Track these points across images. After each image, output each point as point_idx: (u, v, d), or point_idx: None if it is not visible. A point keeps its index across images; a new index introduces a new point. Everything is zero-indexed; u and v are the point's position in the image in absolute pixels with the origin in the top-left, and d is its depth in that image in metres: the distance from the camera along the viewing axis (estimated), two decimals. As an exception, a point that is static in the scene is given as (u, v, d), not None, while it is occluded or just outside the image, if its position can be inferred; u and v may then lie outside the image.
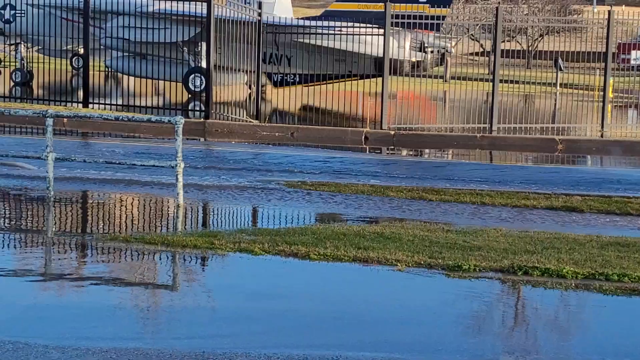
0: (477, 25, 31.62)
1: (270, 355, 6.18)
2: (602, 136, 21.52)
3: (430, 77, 25.04)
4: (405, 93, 24.41)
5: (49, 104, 22.49)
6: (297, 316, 7.24)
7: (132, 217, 10.95)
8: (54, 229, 10.16)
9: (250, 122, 21.42)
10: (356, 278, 8.42)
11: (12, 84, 28.67)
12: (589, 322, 7.51)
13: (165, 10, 24.63)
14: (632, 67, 31.87)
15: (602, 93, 22.37)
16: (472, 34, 37.51)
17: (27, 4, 25.11)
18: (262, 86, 24.17)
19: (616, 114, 27.27)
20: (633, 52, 29.29)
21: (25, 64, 29.06)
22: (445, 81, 29.11)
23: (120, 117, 13.30)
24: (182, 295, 7.81)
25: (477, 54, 39.58)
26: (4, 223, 10.33)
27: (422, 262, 8.76)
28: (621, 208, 12.28)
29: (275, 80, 27.60)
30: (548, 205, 12.42)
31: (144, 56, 25.60)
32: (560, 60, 29.80)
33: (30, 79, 29.17)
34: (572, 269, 8.51)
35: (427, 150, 19.67)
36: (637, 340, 6.90)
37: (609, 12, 22.05)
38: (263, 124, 21.26)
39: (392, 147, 19.86)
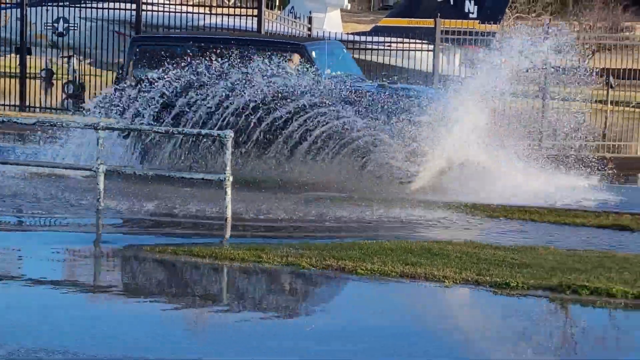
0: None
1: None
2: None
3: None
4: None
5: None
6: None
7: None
8: None
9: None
10: (405, 294, 8.42)
11: (64, 95, 29.00)
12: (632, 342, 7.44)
13: (216, 24, 24.77)
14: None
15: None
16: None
17: (80, 17, 25.37)
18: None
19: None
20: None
21: (77, 76, 29.37)
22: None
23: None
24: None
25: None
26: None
27: (469, 279, 8.72)
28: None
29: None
30: (597, 224, 12.31)
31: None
32: (611, 79, 29.51)
33: (82, 90, 29.48)
34: (621, 288, 8.43)
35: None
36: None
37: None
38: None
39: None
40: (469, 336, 7.23)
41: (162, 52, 14.46)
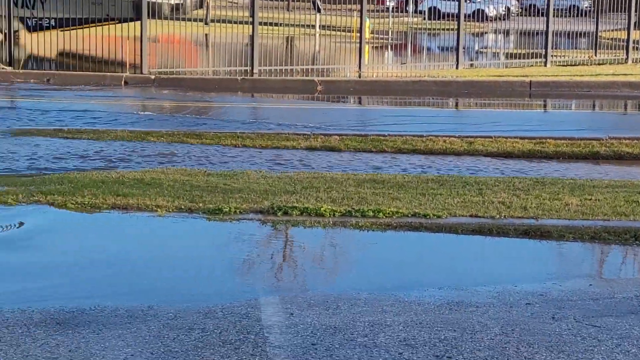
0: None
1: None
2: (359, 77, 22.04)
3: (190, 20, 24.78)
4: (165, 37, 24.07)
5: None
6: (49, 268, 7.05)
7: None
8: None
9: (3, 69, 20.56)
10: (115, 226, 8.28)
11: None
12: (346, 257, 7.71)
13: None
14: (388, 8, 32.78)
15: (359, 35, 22.90)
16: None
17: None
18: (15, 31, 23.20)
19: (373, 55, 27.97)
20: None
21: None
22: (206, 24, 28.90)
23: None
24: None
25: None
26: None
27: (182, 207, 8.70)
28: (377, 146, 12.67)
29: (30, 24, 26.52)
30: (308, 146, 12.64)
31: None
32: (318, 2, 30.20)
33: None
34: (329, 207, 8.68)
35: (188, 94, 19.48)
36: (390, 272, 7.15)
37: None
38: (17, 71, 20.48)
39: (153, 91, 19.58)
40: (180, 264, 7.20)
41: None
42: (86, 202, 8.77)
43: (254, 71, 21.29)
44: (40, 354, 5.23)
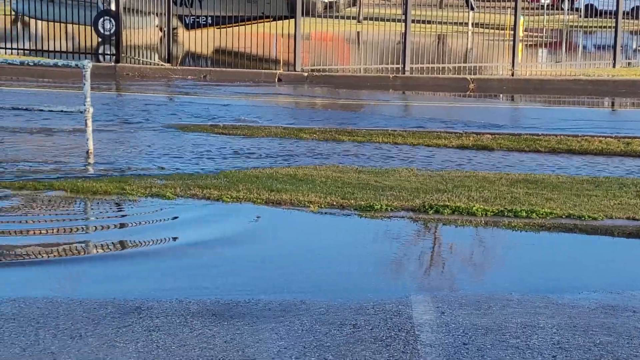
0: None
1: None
2: (512, 75, 21.75)
3: (343, 18, 24.94)
4: (318, 34, 24.31)
5: (-47, 49, 21.91)
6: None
7: (39, 162, 10.70)
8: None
9: (162, 65, 21.15)
10: (267, 220, 8.42)
11: None
12: (498, 257, 7.64)
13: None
14: (542, 6, 32.21)
15: (512, 32, 22.60)
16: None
17: None
18: (174, 29, 23.85)
19: (527, 53, 27.55)
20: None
21: None
22: (359, 22, 29.04)
23: (26, 62, 13.05)
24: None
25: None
26: None
27: (334, 203, 8.79)
28: (530, 145, 12.49)
29: (187, 22, 27.20)
30: (460, 144, 12.57)
31: (52, -1, 25.01)
32: (472, 0, 29.96)
33: None
34: (481, 206, 8.62)
35: (340, 91, 19.62)
36: (543, 274, 7.05)
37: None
38: (175, 67, 21.03)
39: (305, 88, 19.81)
40: (334, 259, 7.28)
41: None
42: (241, 197, 8.95)
43: (406, 69, 21.27)
44: (196, 343, 5.38)
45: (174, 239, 7.80)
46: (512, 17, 22.91)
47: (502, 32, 25.27)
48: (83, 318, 5.74)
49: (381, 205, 8.67)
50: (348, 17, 25.29)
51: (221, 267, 7.05)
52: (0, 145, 11.57)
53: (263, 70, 21.15)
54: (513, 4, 22.83)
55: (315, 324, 5.70)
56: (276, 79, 20.30)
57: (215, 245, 7.61)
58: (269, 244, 7.71)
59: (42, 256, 7.26)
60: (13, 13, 28.18)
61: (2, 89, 18.12)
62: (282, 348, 5.33)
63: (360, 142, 12.57)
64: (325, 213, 8.54)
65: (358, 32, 28.66)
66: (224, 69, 20.98)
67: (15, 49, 22.21)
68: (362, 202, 8.77)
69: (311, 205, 8.70)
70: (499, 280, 6.90)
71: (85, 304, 5.99)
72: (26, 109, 12.57)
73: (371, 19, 24.91)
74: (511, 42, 22.66)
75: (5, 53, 21.79)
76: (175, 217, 8.40)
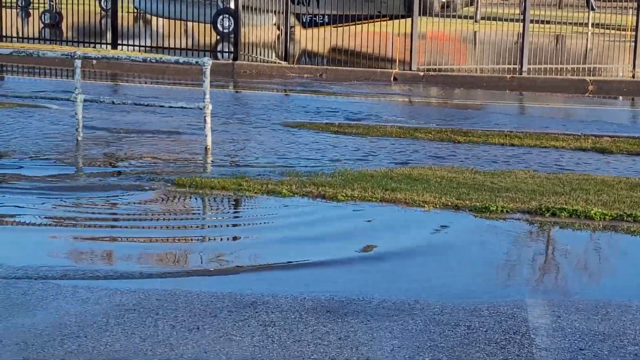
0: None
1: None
2: (633, 77, 21.29)
3: (460, 17, 24.79)
4: (435, 34, 24.21)
5: (77, 46, 22.54)
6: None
7: (158, 158, 10.96)
8: (82, 169, 10.22)
9: (279, 63, 21.36)
10: (384, 219, 8.44)
11: (41, 25, 28.68)
12: (616, 263, 7.50)
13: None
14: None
15: (634, 33, 22.12)
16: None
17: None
18: (291, 27, 24.04)
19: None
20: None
21: (54, 5, 29.03)
22: (476, 21, 28.83)
23: (149, 59, 13.32)
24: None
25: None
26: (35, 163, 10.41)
27: (449, 204, 8.77)
28: (651, 149, 12.23)
29: (304, 21, 27.40)
30: (577, 147, 12.37)
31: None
32: (592, 0, 29.40)
33: (60, 20, 29.15)
34: (599, 210, 8.48)
35: (456, 91, 19.51)
36: (664, 282, 6.90)
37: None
38: (292, 65, 21.21)
39: (421, 87, 19.75)
40: (448, 260, 7.26)
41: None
42: (355, 195, 9.00)
43: (523, 69, 21.02)
44: (311, 339, 5.44)
45: (287, 234, 7.89)
46: (634, 17, 22.40)
47: (622, 32, 24.76)
48: (200, 311, 5.86)
49: (497, 206, 8.61)
50: (465, 17, 25.12)
51: (335, 264, 7.09)
52: (121, 141, 11.88)
53: (378, 69, 21.17)
54: (635, 4, 22.34)
55: (430, 324, 5.70)
56: (391, 78, 20.30)
57: (326, 241, 7.67)
58: (383, 243, 7.72)
59: (159, 250, 7.45)
60: (135, 11, 28.84)
61: (123, 84, 18.58)
62: (396, 347, 5.35)
63: (476, 143, 12.48)
64: (440, 213, 8.52)
65: (475, 32, 28.47)
66: (339, 68, 21.07)
67: (136, 45, 22.73)
68: (478, 203, 8.72)
69: (426, 205, 8.69)
70: (617, 286, 6.78)
71: (202, 297, 6.11)
72: (147, 105, 12.86)
73: (488, 18, 24.68)
74: (632, 43, 22.18)
75: (127, 50, 22.31)
76: (288, 214, 8.50)
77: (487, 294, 6.35)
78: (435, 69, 21.04)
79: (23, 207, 8.44)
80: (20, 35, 24.44)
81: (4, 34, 23.61)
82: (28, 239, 7.65)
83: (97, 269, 6.73)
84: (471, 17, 27.02)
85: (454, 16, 24.37)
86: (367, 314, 5.87)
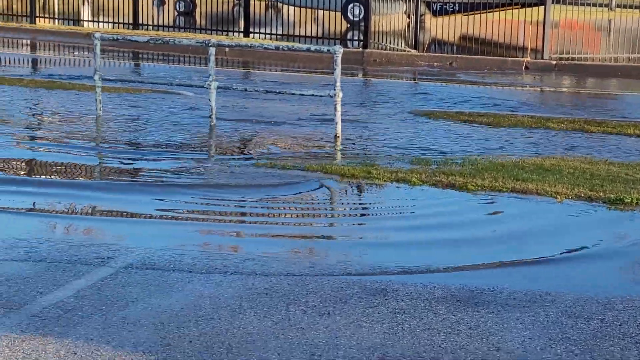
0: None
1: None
2: None
3: (595, 5, 24.25)
4: (568, 22, 23.75)
5: (210, 34, 22.94)
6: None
7: (287, 145, 11.08)
8: (214, 156, 10.42)
9: (408, 51, 21.31)
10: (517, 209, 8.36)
11: (175, 13, 29.30)
12: None
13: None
14: None
15: None
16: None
17: None
18: (421, 15, 23.94)
19: None
20: None
21: (188, -6, 29.62)
22: (611, 9, 28.17)
23: (280, 47, 13.52)
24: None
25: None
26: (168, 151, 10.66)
27: (582, 195, 8.62)
28: None
29: (435, 9, 27.23)
30: None
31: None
32: None
33: (193, 8, 29.73)
34: None
35: (588, 80, 19.12)
36: None
37: None
38: (421, 54, 21.13)
39: (553, 76, 19.43)
40: (580, 251, 7.15)
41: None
42: (486, 185, 8.93)
43: (660, 58, 20.48)
44: (441, 328, 5.44)
45: (416, 222, 7.90)
46: None
47: None
48: (331, 296, 5.92)
49: (632, 198, 8.43)
50: (600, 5, 24.56)
51: (460, 252, 7.07)
52: (254, 129, 12.07)
53: (509, 58, 20.91)
54: None
55: (562, 316, 5.64)
56: (523, 67, 20.03)
57: (453, 229, 7.65)
58: (517, 232, 7.65)
59: (283, 233, 7.55)
60: (266, -1, 29.19)
61: (255, 72, 18.84)
62: (527, 338, 5.30)
63: (610, 134, 12.22)
64: (573, 204, 8.39)
65: (610, 20, 27.81)
66: (469, 56, 20.89)
67: (267, 33, 23.01)
68: (612, 195, 8.55)
69: (558, 196, 8.57)
70: None
71: (332, 283, 6.17)
72: (278, 92, 13.03)
73: (624, 6, 24.09)
74: None
75: (259, 38, 22.60)
76: (416, 205, 8.51)
77: (621, 289, 6.22)
78: (568, 57, 20.66)
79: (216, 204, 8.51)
80: (155, 23, 25.05)
81: (140, 22, 24.21)
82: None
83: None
84: (606, 5, 26.41)
85: (588, 4, 23.79)
86: (498, 304, 5.83)
